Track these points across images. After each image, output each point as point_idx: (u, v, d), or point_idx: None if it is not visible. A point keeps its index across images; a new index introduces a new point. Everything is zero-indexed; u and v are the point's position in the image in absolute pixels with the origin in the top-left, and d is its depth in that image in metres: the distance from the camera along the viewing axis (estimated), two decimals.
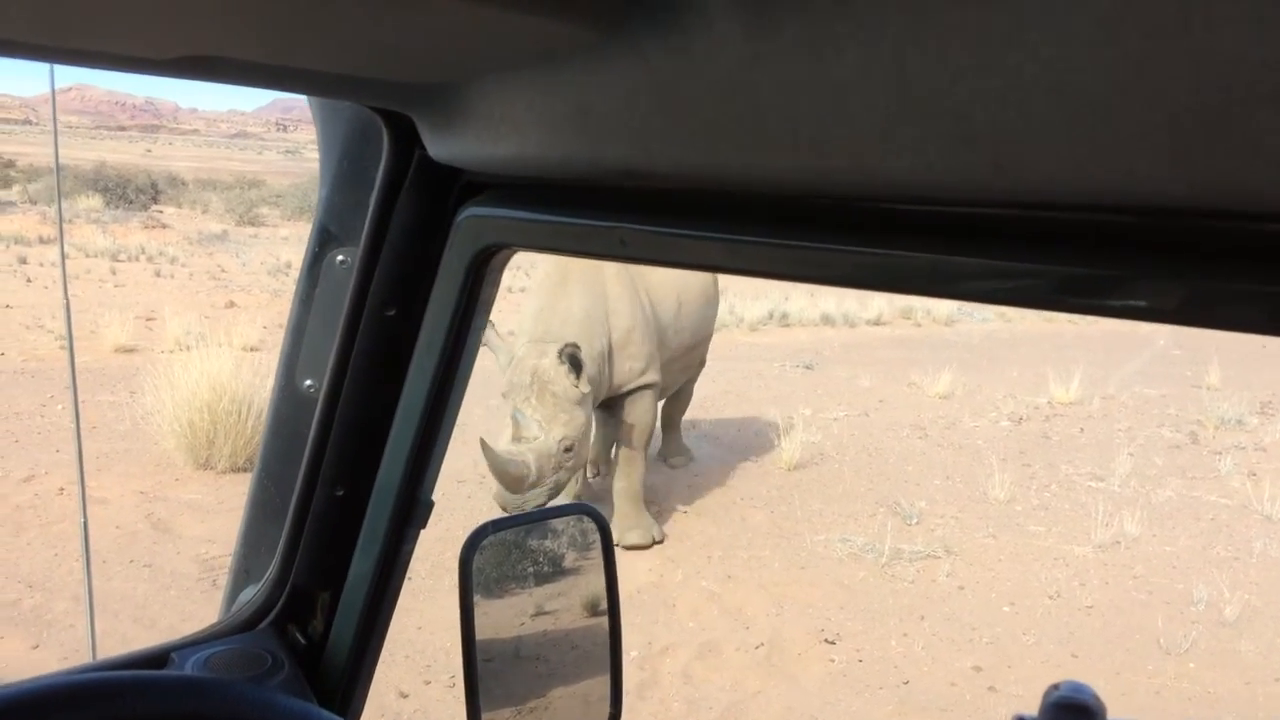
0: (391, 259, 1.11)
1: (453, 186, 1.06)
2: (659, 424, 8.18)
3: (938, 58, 0.44)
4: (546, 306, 6.69)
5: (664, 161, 0.65)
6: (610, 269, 6.92)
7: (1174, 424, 11.67)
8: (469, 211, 1.02)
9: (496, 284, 1.10)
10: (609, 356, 6.79)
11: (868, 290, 0.65)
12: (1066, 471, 9.31)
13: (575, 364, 6.23)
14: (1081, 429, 11.25)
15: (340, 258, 1.16)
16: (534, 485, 6.07)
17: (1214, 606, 6.13)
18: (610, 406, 7.10)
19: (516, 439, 6.15)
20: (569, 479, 6.41)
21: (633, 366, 6.96)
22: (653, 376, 7.10)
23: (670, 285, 7.40)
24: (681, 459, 8.67)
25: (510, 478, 5.98)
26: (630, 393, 7.03)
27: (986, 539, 7.33)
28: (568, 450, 6.22)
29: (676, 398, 8.58)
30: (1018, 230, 0.53)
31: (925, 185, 0.51)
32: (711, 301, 8.15)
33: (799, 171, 0.57)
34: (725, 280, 20.71)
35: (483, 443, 5.95)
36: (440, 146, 0.94)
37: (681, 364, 7.85)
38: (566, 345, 6.22)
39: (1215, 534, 7.68)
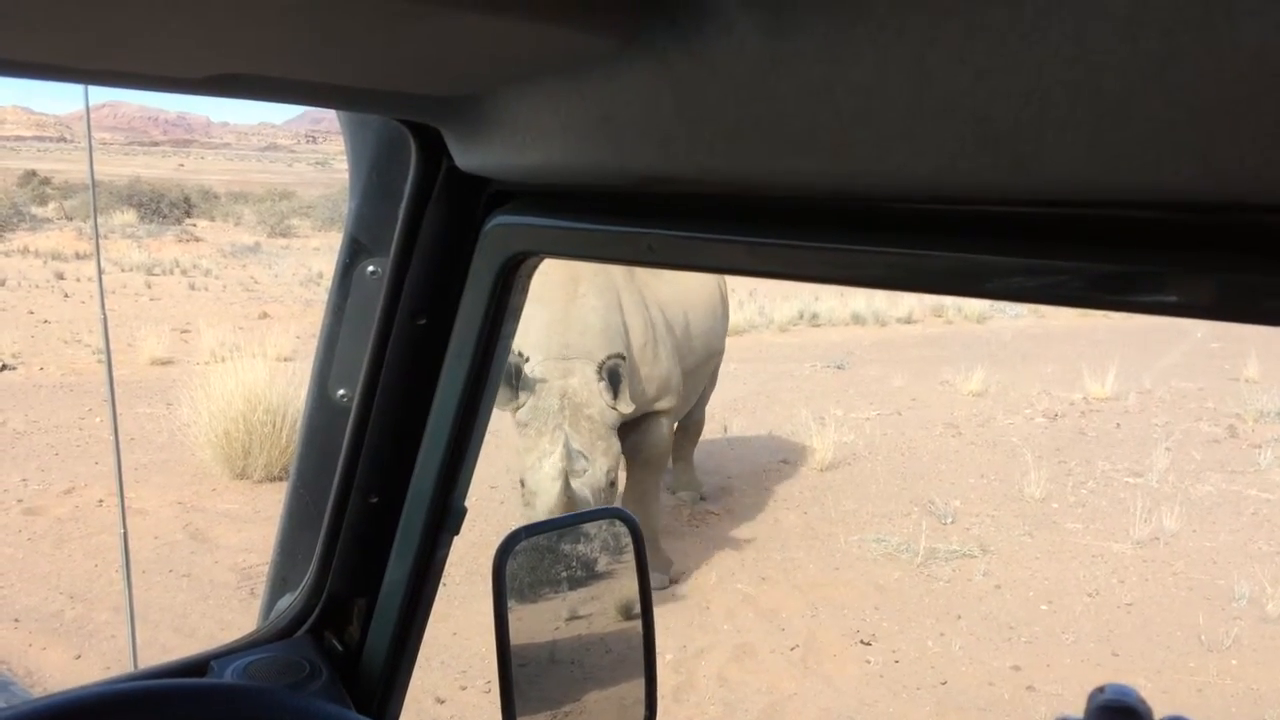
0: (421, 268, 1.12)
1: (480, 196, 1.07)
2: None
3: (958, 58, 0.44)
4: (559, 317, 5.79)
5: (688, 166, 0.66)
6: (619, 276, 6.23)
7: (1212, 418, 11.51)
8: (497, 220, 1.03)
9: (525, 291, 1.11)
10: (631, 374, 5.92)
11: (894, 290, 0.65)
12: (1103, 468, 9.21)
13: (615, 379, 5.49)
14: (1118, 424, 11.13)
15: (371, 268, 1.17)
16: None
17: (1256, 602, 6.05)
18: (620, 434, 5.91)
19: (571, 473, 5.25)
20: None
21: (645, 390, 6.09)
22: (668, 402, 6.30)
23: (676, 300, 6.66)
24: (690, 493, 7.85)
25: None
26: (641, 419, 6.13)
27: (1023, 537, 7.26)
28: (611, 485, 5.46)
29: (685, 426, 7.70)
30: (1044, 228, 0.53)
31: (949, 185, 0.52)
32: (719, 315, 7.31)
33: (822, 174, 0.57)
34: (753, 282, 20.65)
35: (566, 479, 5.13)
36: (467, 157, 0.95)
37: (692, 383, 6.95)
38: (609, 358, 5.48)
39: (1256, 528, 7.57)
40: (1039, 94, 0.43)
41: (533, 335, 5.75)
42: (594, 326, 5.79)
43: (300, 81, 0.78)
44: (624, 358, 5.53)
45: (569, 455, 5.28)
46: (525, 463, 5.45)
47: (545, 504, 5.19)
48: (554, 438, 5.40)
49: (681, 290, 6.80)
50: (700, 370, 7.06)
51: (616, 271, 6.28)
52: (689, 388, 6.86)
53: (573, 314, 5.83)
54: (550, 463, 5.28)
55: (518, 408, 5.56)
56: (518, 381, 5.52)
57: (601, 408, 5.46)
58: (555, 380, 5.51)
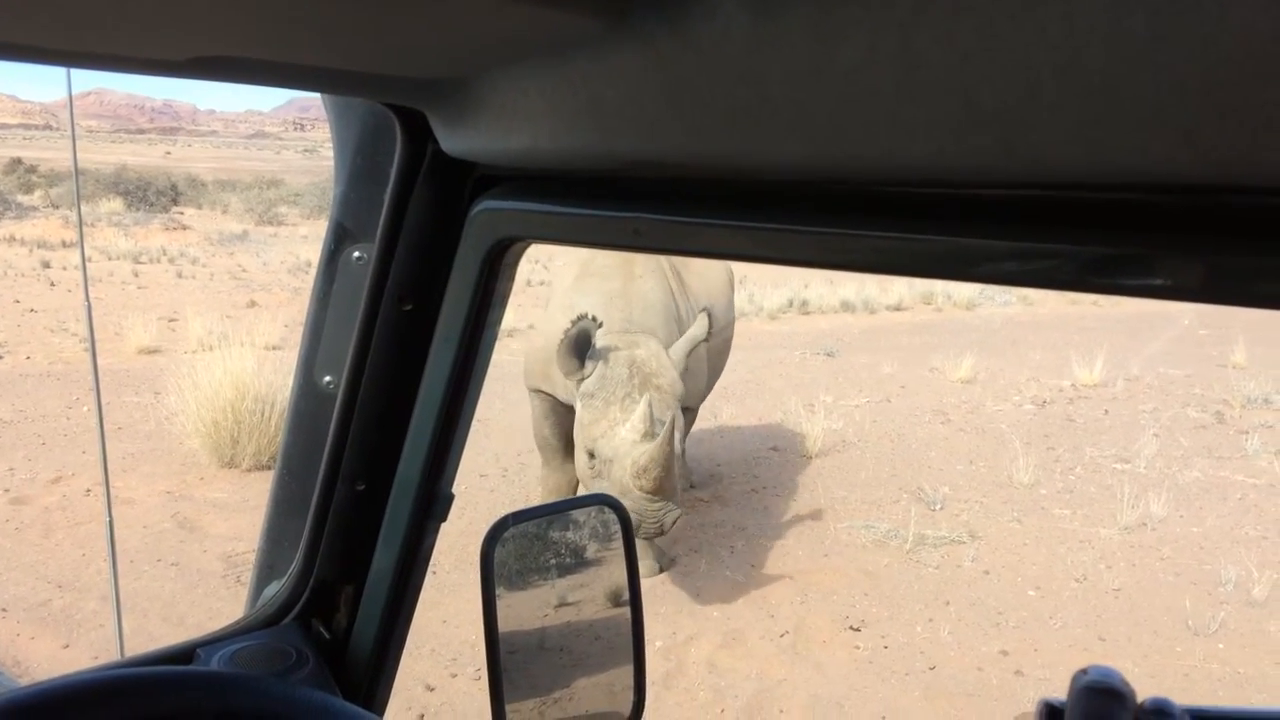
0: (407, 254, 1.12)
1: (466, 180, 1.06)
2: None
3: (945, 40, 0.43)
4: (618, 292, 5.89)
5: (675, 150, 0.65)
6: (665, 265, 6.32)
7: (1199, 404, 11.58)
8: (483, 205, 1.02)
9: (512, 276, 1.10)
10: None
11: (883, 275, 0.65)
12: (1091, 454, 9.25)
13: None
14: (1106, 411, 11.17)
15: (356, 254, 1.17)
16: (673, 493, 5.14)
17: (1242, 587, 6.09)
18: None
19: (649, 436, 5.14)
20: None
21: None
22: (691, 400, 6.24)
23: (706, 293, 6.71)
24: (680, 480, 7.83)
25: (673, 480, 5.12)
26: None
27: (1011, 523, 7.30)
28: (681, 455, 5.38)
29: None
30: (1031, 211, 0.53)
31: (936, 168, 0.51)
32: (730, 305, 7.45)
33: (809, 157, 0.57)
34: (744, 268, 20.67)
35: (667, 434, 4.96)
36: (453, 141, 0.94)
37: (710, 378, 6.99)
38: (705, 308, 5.60)
39: (1243, 514, 7.62)
40: (1027, 76, 0.42)
41: (587, 309, 5.66)
42: (655, 305, 5.84)
43: (284, 64, 0.77)
44: (710, 313, 5.59)
45: (651, 419, 5.18)
46: (593, 433, 5.33)
47: (622, 468, 5.11)
48: (624, 406, 5.33)
49: (707, 284, 6.81)
50: (715, 364, 7.09)
51: (663, 261, 6.31)
52: (708, 383, 6.89)
53: (633, 291, 5.86)
54: (629, 427, 5.19)
55: (583, 378, 5.48)
56: (587, 350, 5.45)
57: (672, 379, 5.45)
58: (624, 351, 5.48)
